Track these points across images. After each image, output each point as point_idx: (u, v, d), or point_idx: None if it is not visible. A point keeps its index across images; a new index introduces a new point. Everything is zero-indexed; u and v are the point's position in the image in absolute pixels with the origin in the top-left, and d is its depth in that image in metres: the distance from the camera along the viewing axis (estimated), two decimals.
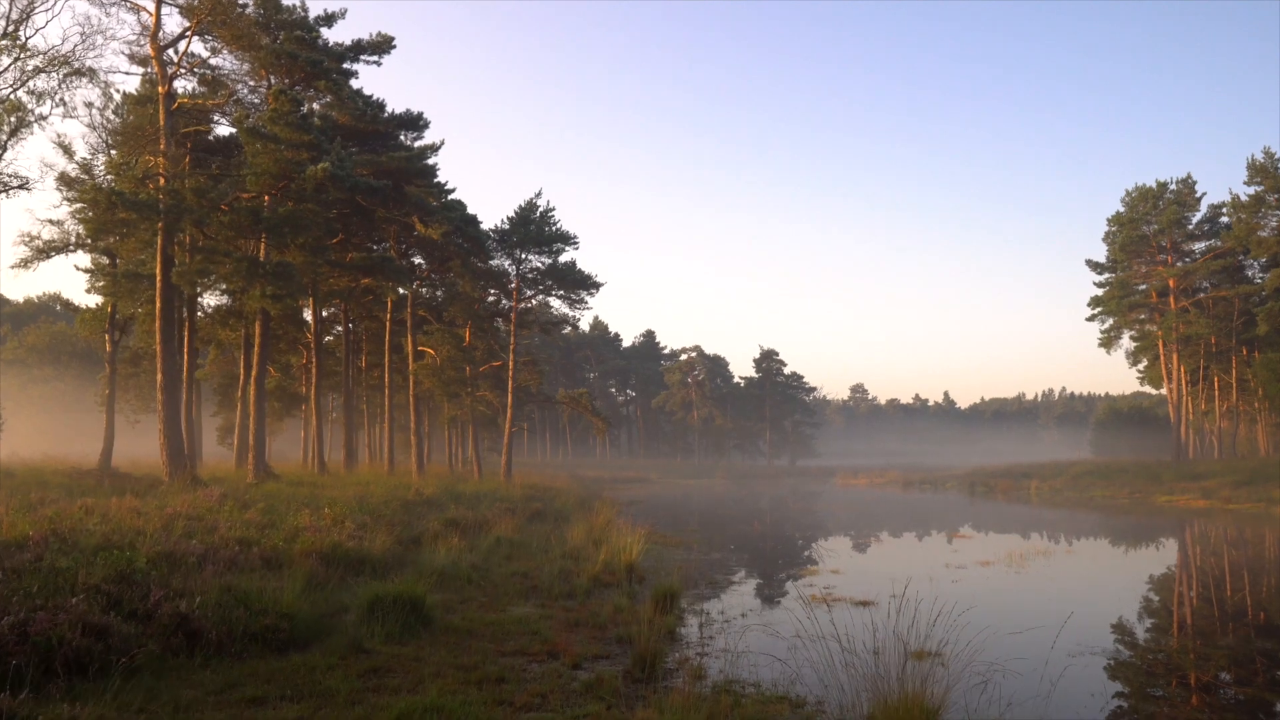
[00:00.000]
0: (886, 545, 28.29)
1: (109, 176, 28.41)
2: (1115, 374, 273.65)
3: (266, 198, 29.84)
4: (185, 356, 36.06)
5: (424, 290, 51.89)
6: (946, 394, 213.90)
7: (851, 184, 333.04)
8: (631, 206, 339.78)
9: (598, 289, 46.31)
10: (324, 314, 53.00)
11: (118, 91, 34.80)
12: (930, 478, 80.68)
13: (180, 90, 30.25)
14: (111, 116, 30.06)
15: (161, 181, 27.66)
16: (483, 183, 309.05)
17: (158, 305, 28.06)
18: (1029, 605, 17.10)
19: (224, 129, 35.09)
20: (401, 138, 37.90)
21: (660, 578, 19.30)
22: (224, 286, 31.99)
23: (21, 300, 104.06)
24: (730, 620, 14.52)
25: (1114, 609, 17.11)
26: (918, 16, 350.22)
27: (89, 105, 29.84)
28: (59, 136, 29.37)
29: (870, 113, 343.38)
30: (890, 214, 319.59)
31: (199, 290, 28.07)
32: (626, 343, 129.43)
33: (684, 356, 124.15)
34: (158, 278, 27.82)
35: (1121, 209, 75.58)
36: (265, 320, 32.97)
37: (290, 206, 28.17)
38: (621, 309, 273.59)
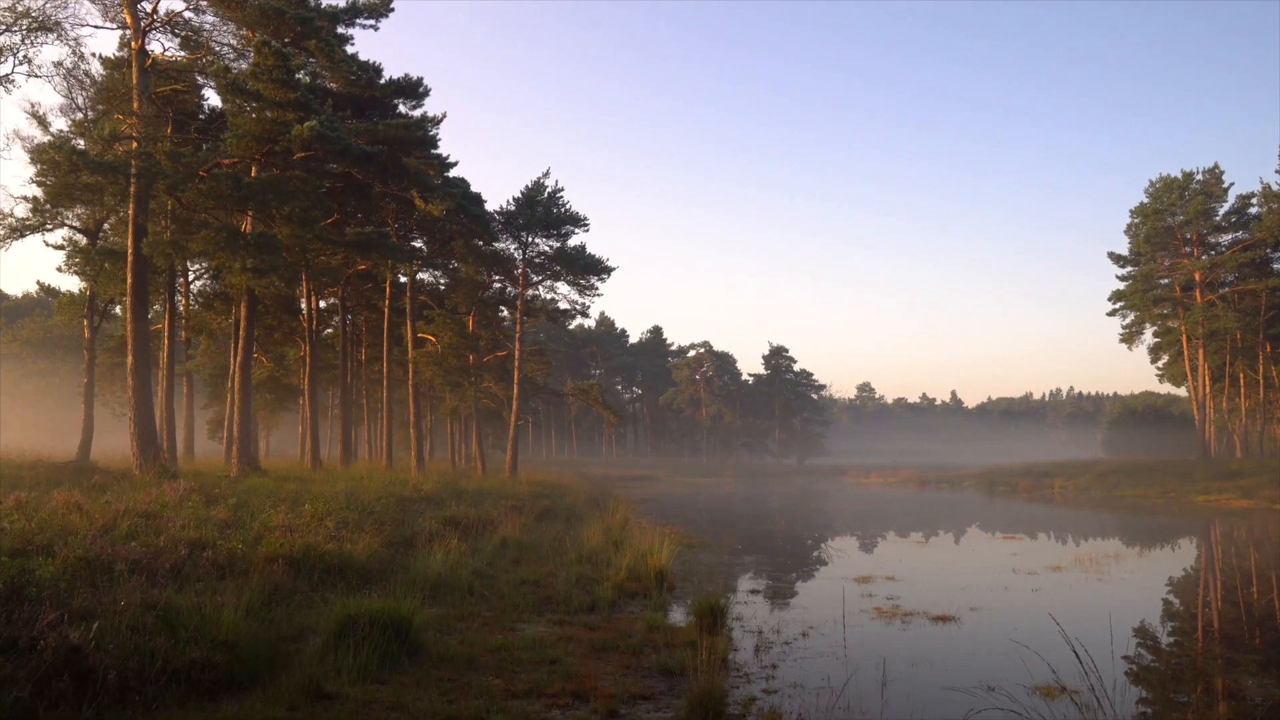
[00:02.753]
0: (933, 548, 25.61)
1: (75, 138, 25.75)
2: (1124, 373, 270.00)
3: (254, 170, 27.26)
4: (167, 342, 33.48)
5: (425, 277, 49.28)
6: (954, 393, 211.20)
7: (857, 182, 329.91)
8: (637, 202, 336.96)
9: (609, 274, 43.60)
10: (322, 305, 50.43)
11: (96, 57, 32.12)
12: (946, 476, 77.95)
13: (159, 49, 27.62)
14: (83, 77, 27.49)
15: (134, 145, 25.06)
16: (484, 171, 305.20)
17: (129, 280, 25.43)
18: (1138, 621, 14.41)
19: (215, 101, 32.60)
20: (400, 107, 35.24)
21: (693, 585, 16.70)
22: (205, 264, 29.19)
23: (20, 295, 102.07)
24: (791, 642, 11.86)
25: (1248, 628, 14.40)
26: (923, 15, 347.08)
27: (58, 65, 27.13)
28: (33, 106, 26.65)
29: (877, 111, 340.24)
30: (896, 213, 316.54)
31: (174, 263, 25.43)
32: (633, 339, 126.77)
33: (692, 353, 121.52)
34: (129, 250, 25.20)
35: (1145, 200, 73.00)
36: (251, 301, 30.35)
37: (275, 174, 25.56)
38: (628, 305, 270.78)
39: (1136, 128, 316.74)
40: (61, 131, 28.44)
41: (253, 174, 27.17)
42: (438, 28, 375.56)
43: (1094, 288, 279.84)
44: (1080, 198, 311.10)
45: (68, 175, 23.44)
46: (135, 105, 25.46)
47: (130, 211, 25.07)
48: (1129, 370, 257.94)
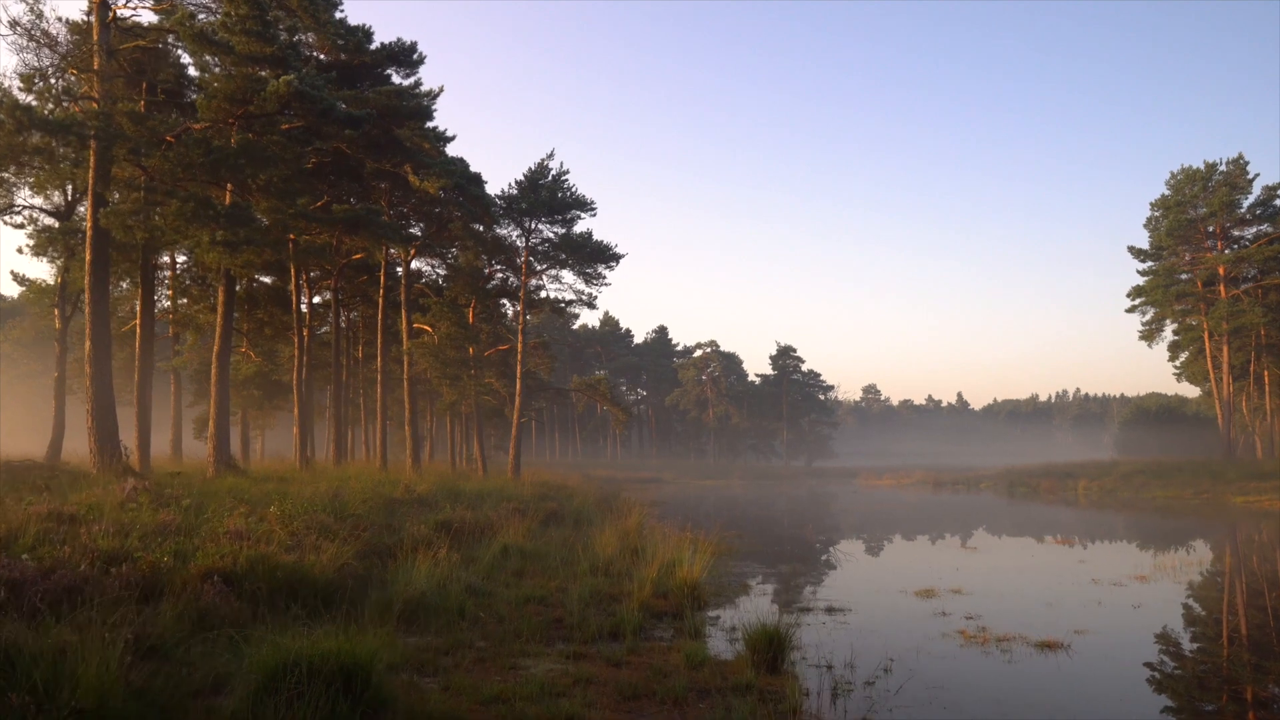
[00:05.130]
0: (986, 555, 22.86)
1: (28, 97, 23.11)
2: (1131, 375, 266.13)
3: (234, 139, 24.64)
4: (139, 332, 30.84)
5: (424, 267, 46.71)
6: (960, 395, 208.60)
7: (860, 182, 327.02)
8: (642, 201, 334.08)
9: (617, 261, 40.88)
10: (316, 300, 47.91)
11: (64, 22, 29.49)
12: (960, 478, 75.33)
13: (124, 1, 24.96)
14: (41, 37, 24.87)
15: (95, 106, 22.49)
16: (482, 169, 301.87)
17: (87, 257, 22.84)
18: None
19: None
20: (393, 77, 32.60)
21: (728, 601, 14.10)
22: (178, 242, 26.35)
23: (17, 295, 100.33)
24: (873, 681, 9.18)
25: None
26: (927, 14, 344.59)
27: (15, 25, 24.51)
28: None
29: (881, 110, 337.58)
30: (900, 213, 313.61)
31: (136, 238, 22.78)
32: (638, 339, 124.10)
33: (699, 352, 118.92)
34: (88, 222, 22.64)
35: (1166, 192, 70.65)
36: (229, 286, 27.73)
37: (251, 139, 22.95)
38: (632, 305, 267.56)
39: (1146, 125, 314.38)
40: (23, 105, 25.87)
41: (232, 144, 24.57)
42: (436, 22, 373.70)
43: (1101, 289, 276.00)
44: (1088, 198, 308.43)
45: (13, 135, 20.88)
46: (96, 63, 22.87)
47: (89, 180, 22.49)
48: (1136, 371, 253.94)
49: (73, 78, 25.55)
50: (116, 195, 25.17)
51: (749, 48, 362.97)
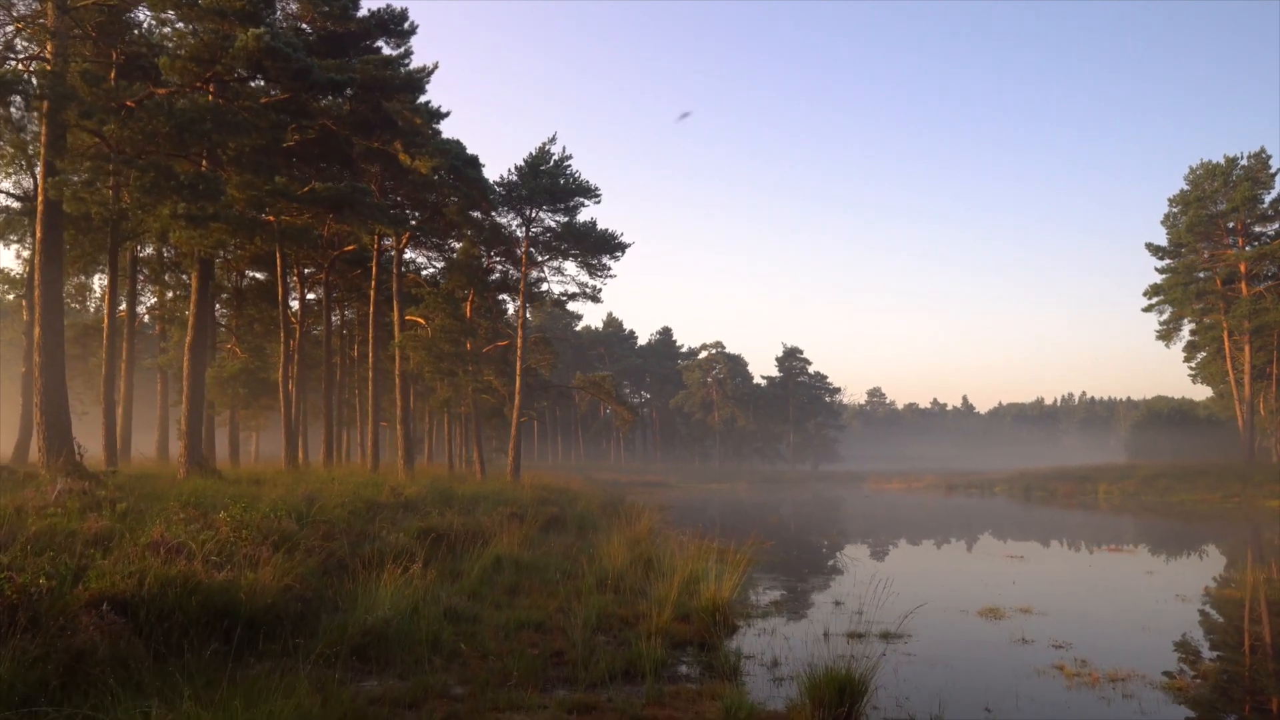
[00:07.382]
0: (1038, 565, 20.43)
1: None
2: (1136, 378, 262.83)
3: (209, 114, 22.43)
4: (107, 322, 28.62)
5: (419, 258, 44.57)
6: (965, 398, 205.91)
7: (864, 184, 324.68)
8: (644, 202, 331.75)
9: (623, 251, 38.63)
10: (310, 296, 45.80)
11: None
12: (972, 481, 73.07)
13: None
14: None
15: (49, 68, 20.32)
16: (481, 161, 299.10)
17: (38, 233, 20.61)
18: None
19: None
20: (382, 48, 30.38)
21: (759, 622, 11.87)
22: (131, 212, 23.88)
23: (12, 297, 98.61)
24: None
25: None
26: (932, 17, 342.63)
27: None
28: None
29: (887, 114, 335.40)
30: (905, 215, 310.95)
31: (89, 208, 20.75)
32: (642, 341, 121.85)
33: (704, 354, 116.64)
34: (39, 194, 20.46)
35: (1186, 187, 68.53)
36: (204, 269, 25.55)
37: (220, 103, 20.76)
38: (636, 307, 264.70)
39: (1151, 125, 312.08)
40: None
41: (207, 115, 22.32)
42: (435, 16, 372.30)
43: (1105, 291, 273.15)
44: (1091, 200, 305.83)
45: None
46: (50, 20, 20.70)
47: (41, 145, 20.32)
48: (1142, 374, 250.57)
49: (21, 37, 23.36)
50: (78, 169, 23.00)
51: (753, 47, 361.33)
